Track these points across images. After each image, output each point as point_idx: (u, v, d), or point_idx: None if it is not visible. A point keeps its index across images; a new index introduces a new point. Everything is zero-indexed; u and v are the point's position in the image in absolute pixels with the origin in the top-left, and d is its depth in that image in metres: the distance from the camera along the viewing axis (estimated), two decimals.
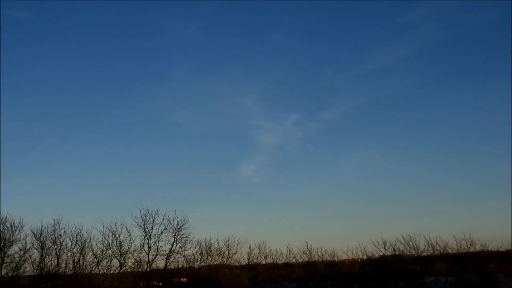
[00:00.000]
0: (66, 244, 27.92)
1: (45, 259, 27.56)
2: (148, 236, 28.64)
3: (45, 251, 27.66)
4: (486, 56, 72.82)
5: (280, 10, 75.34)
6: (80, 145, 69.75)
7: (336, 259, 31.57)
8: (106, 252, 28.22)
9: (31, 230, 27.76)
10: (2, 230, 27.23)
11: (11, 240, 27.23)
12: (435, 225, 51.02)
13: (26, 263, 27.42)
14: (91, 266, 28.11)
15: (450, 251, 28.51)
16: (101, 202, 57.41)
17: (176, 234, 28.82)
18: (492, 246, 28.67)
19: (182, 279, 31.81)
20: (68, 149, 69.25)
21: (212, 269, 30.36)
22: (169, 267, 29.46)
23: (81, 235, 28.05)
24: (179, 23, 75.50)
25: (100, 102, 75.82)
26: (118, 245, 28.20)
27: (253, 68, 79.84)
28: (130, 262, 28.70)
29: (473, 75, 73.13)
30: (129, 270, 28.94)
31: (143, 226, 28.66)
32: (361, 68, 77.46)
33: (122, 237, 28.30)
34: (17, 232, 27.31)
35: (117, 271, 28.49)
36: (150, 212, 28.73)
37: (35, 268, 27.46)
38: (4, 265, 26.90)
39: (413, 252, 28.77)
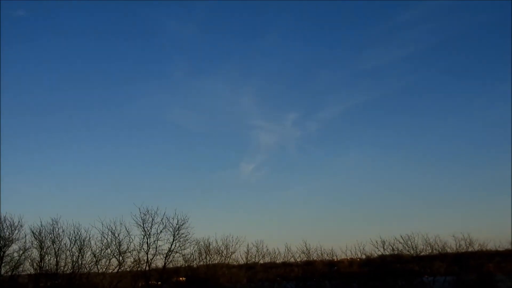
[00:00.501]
0: (65, 243, 28.07)
1: (44, 258, 27.69)
2: (147, 235, 28.75)
3: (44, 250, 27.77)
4: (483, 56, 72.90)
5: (277, 9, 75.51)
6: (79, 143, 70.23)
7: (334, 258, 31.51)
8: (105, 251, 28.33)
9: (30, 229, 27.94)
10: (1, 229, 27.40)
11: (11, 239, 27.39)
12: (433, 225, 51.11)
13: (25, 262, 27.63)
14: (90, 265, 28.22)
15: (448, 250, 28.44)
16: (100, 201, 57.72)
17: (176, 233, 28.90)
18: (491, 246, 28.61)
19: (180, 278, 31.86)
20: (66, 147, 69.64)
21: (211, 268, 30.38)
22: (168, 266, 29.53)
23: (80, 234, 28.20)
24: (176, 22, 75.75)
25: (99, 100, 76.14)
26: (117, 244, 28.31)
27: (250, 67, 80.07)
28: (129, 261, 28.81)
29: (470, 75, 73.32)
30: (128, 269, 29.00)
31: (142, 225, 28.76)
32: (358, 67, 77.63)
33: (121, 236, 28.42)
34: (16, 231, 27.50)
35: (116, 270, 28.60)
36: (149, 211, 28.84)
37: (34, 267, 27.62)
38: (3, 264, 27.05)
39: (412, 252, 28.68)
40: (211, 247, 30.74)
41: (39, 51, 72.87)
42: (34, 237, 27.74)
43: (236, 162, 78.21)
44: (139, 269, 28.98)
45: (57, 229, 27.98)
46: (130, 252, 28.58)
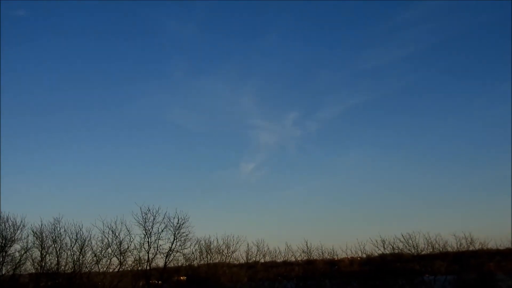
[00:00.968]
0: (66, 243, 28.11)
1: (45, 258, 27.76)
2: (148, 235, 28.80)
3: (45, 249, 27.85)
4: (483, 56, 73.05)
5: (277, 9, 75.74)
6: (79, 143, 70.39)
7: (335, 257, 31.47)
8: (105, 251, 28.40)
9: (31, 228, 27.98)
10: (3, 229, 27.47)
11: (13, 239, 27.45)
12: (434, 224, 51.11)
13: (26, 262, 27.67)
14: (91, 264, 28.30)
15: (449, 249, 28.37)
16: (101, 201, 57.88)
17: (176, 232, 28.95)
18: (492, 245, 28.54)
19: (181, 278, 31.91)
20: (66, 147, 69.83)
21: (211, 267, 30.40)
22: (168, 265, 29.59)
23: (81, 234, 28.23)
24: (176, 22, 75.97)
25: (99, 100, 76.52)
26: (118, 243, 28.36)
27: (250, 67, 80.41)
28: (129, 260, 28.89)
29: (470, 75, 73.47)
30: (128, 268, 29.06)
31: (143, 225, 28.82)
32: (358, 67, 77.91)
33: (121, 236, 28.47)
34: (18, 231, 27.56)
35: (116, 270, 28.65)
36: (151, 211, 28.88)
37: (35, 266, 27.67)
38: (5, 263, 27.10)
39: (413, 251, 28.63)
40: (211, 246, 30.82)
41: (39, 51, 73.26)
42: (35, 236, 27.82)
43: (236, 161, 78.53)
44: (140, 268, 29.05)
45: (58, 228, 28.11)
46: (130, 251, 28.73)
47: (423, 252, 28.69)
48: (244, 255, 30.89)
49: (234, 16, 77.45)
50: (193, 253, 30.17)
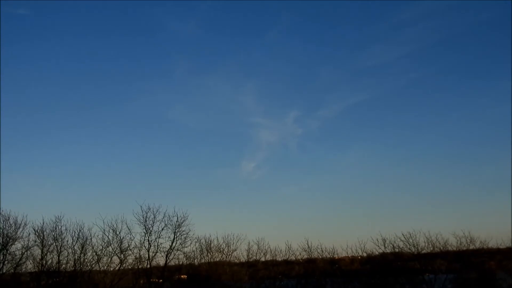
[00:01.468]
0: (67, 241, 28.10)
1: (46, 256, 27.74)
2: (148, 233, 28.81)
3: (46, 248, 27.81)
4: (484, 54, 73.00)
5: (278, 8, 75.57)
6: (79, 142, 70.31)
7: (336, 256, 31.53)
8: (106, 249, 28.39)
9: (33, 227, 27.93)
10: (5, 227, 27.48)
11: (14, 237, 27.44)
12: (435, 223, 51.05)
13: (27, 260, 27.68)
14: (92, 263, 28.29)
15: (450, 248, 28.44)
16: (101, 199, 57.84)
17: (176, 231, 28.95)
18: (492, 244, 28.66)
19: (182, 276, 31.93)
20: (67, 146, 69.83)
21: (212, 266, 30.42)
22: (169, 264, 29.60)
23: (82, 232, 28.23)
24: (178, 20, 76.00)
25: (100, 99, 76.42)
26: (119, 242, 28.37)
27: (252, 65, 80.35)
28: (130, 259, 28.88)
29: (471, 74, 73.34)
30: (129, 267, 29.07)
31: (144, 223, 28.82)
32: (359, 65, 77.89)
33: (122, 234, 28.48)
34: (20, 230, 27.48)
35: (117, 268, 28.62)
36: (151, 209, 28.89)
37: (36, 264, 27.67)
38: (6, 262, 27.11)
39: (413, 250, 28.70)
40: (212, 244, 30.85)
41: (40, 50, 73.22)
42: (36, 235, 27.80)
43: (237, 160, 78.49)
44: (140, 266, 29.05)
45: (59, 227, 28.09)
46: (131, 250, 28.72)
47: (424, 251, 28.82)
48: (245, 253, 31.01)
49: (235, 15, 77.54)
50: (193, 251, 30.30)
